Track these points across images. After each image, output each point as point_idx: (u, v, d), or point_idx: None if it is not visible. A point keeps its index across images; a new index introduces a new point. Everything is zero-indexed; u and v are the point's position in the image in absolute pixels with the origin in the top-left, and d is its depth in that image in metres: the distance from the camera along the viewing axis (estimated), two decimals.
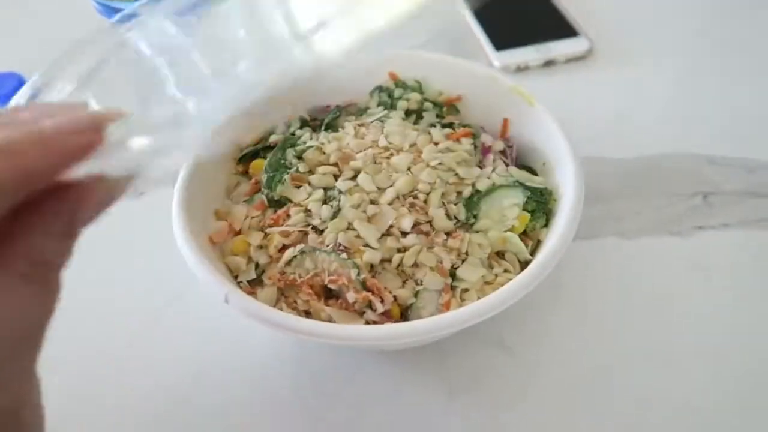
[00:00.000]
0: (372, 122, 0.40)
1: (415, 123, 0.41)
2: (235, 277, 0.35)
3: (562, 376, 0.36)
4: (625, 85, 0.54)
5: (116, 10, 0.43)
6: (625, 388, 0.35)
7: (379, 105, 0.43)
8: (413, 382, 0.36)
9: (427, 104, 0.42)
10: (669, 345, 0.37)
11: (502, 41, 0.57)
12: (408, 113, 0.42)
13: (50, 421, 0.35)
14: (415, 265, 0.33)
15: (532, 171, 0.39)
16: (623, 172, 0.47)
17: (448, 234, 0.34)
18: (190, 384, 0.36)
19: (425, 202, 0.35)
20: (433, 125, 0.40)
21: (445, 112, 0.42)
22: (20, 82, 0.57)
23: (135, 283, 0.42)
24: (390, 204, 0.34)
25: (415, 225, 0.34)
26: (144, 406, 0.36)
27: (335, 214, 0.34)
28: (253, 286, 0.34)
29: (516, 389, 0.35)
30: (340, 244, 0.33)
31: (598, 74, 0.55)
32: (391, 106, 0.42)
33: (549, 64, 0.55)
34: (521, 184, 0.35)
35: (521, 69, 0.55)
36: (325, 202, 0.35)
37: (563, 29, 0.58)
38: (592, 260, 0.41)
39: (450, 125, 0.40)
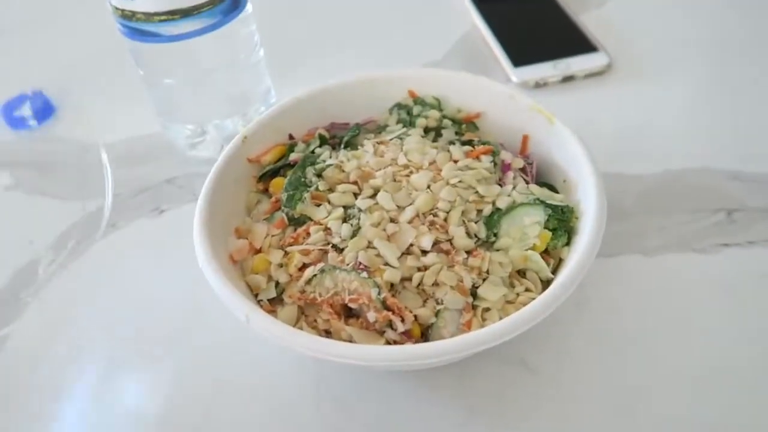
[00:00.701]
0: (391, 140, 0.40)
1: (434, 140, 0.41)
2: (256, 296, 0.35)
3: (586, 397, 0.35)
4: (645, 100, 0.54)
5: (139, 32, 0.44)
6: (650, 408, 0.34)
7: (398, 122, 0.43)
8: (432, 402, 0.35)
9: (446, 121, 0.42)
10: (694, 365, 0.36)
11: (519, 57, 0.57)
12: (427, 130, 0.42)
13: None
14: (436, 284, 0.33)
15: (552, 188, 0.38)
16: (644, 188, 0.46)
17: (468, 252, 0.34)
18: (209, 401, 0.36)
19: (445, 220, 0.35)
20: (452, 142, 0.40)
21: (465, 129, 0.42)
22: (45, 101, 0.58)
23: (155, 300, 0.42)
24: (410, 222, 0.34)
25: (435, 243, 0.34)
26: (162, 424, 0.36)
27: (355, 232, 0.34)
28: (274, 304, 0.35)
29: (537, 410, 0.35)
30: (360, 263, 0.33)
31: (617, 90, 0.55)
32: (410, 124, 0.42)
33: (568, 80, 0.55)
34: (542, 202, 0.35)
35: (539, 85, 0.55)
36: (344, 220, 0.35)
37: (582, 44, 0.57)
38: (614, 278, 0.40)
39: (469, 142, 0.40)
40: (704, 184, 0.46)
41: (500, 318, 0.32)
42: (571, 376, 0.36)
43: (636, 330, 0.38)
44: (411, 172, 0.37)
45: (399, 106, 0.44)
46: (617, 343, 0.37)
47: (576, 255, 0.32)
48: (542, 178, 0.40)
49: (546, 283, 0.34)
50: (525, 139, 0.41)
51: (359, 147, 0.40)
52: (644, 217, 0.44)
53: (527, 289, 0.34)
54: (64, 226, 0.48)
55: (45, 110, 0.58)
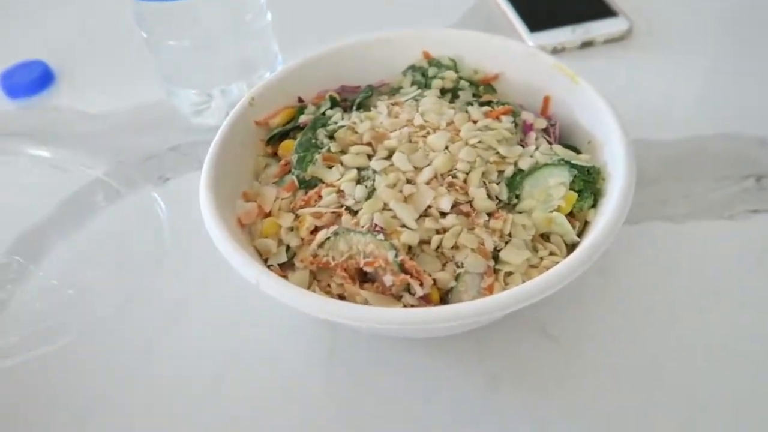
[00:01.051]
0: (406, 101, 0.38)
1: (451, 102, 0.39)
2: (265, 261, 0.33)
3: (608, 366, 0.34)
4: (667, 65, 0.52)
5: None
6: (676, 379, 0.33)
7: (412, 84, 0.41)
8: (450, 372, 0.34)
9: (463, 83, 0.40)
10: (721, 333, 0.35)
11: (536, 22, 0.54)
12: (443, 92, 0.40)
13: (78, 411, 0.34)
14: (456, 247, 0.31)
15: (575, 150, 0.36)
16: (668, 155, 0.44)
17: (489, 215, 0.32)
18: (219, 371, 0.35)
19: (465, 181, 0.33)
20: (470, 104, 0.38)
21: (482, 91, 0.41)
22: (45, 69, 0.57)
23: (161, 269, 0.41)
24: (428, 183, 0.33)
25: (455, 205, 0.32)
26: (172, 394, 0.34)
27: (370, 194, 0.33)
28: (284, 269, 0.33)
29: (559, 379, 0.33)
30: (375, 225, 0.31)
31: (638, 55, 0.53)
32: (425, 86, 0.40)
33: (586, 45, 0.53)
34: (567, 162, 0.33)
35: (557, 51, 0.53)
36: (358, 182, 0.34)
37: (601, 9, 0.55)
38: (639, 245, 0.39)
39: (488, 104, 0.38)
40: (732, 150, 0.44)
41: (523, 282, 0.31)
42: (593, 345, 0.35)
43: (661, 299, 0.36)
44: (428, 133, 0.35)
45: (413, 68, 0.42)
46: (641, 312, 0.36)
47: (604, 217, 0.30)
48: (565, 140, 0.38)
49: (571, 247, 0.33)
50: (546, 100, 0.39)
51: (372, 109, 0.39)
52: (669, 184, 0.42)
53: (551, 253, 0.32)
54: (65, 195, 0.46)
55: (44, 79, 0.56)
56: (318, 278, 0.32)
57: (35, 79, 0.56)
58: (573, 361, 0.34)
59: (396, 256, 0.30)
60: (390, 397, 0.34)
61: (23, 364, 0.37)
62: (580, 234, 0.33)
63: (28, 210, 0.45)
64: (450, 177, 0.33)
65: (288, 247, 0.33)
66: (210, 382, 0.35)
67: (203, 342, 0.37)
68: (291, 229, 0.34)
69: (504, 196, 0.33)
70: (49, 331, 0.38)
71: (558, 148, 0.35)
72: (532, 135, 0.36)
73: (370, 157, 0.35)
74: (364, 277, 0.32)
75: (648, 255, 0.38)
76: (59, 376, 0.36)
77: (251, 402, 0.34)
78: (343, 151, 0.36)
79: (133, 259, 0.41)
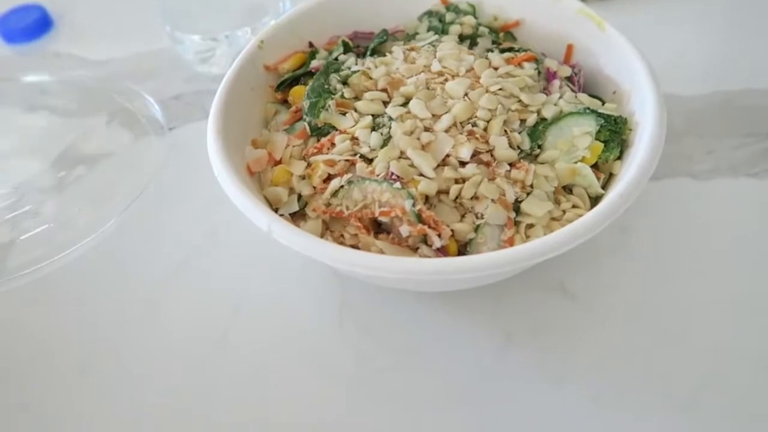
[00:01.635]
0: (423, 46, 0.36)
1: (470, 49, 0.37)
2: (276, 210, 0.32)
3: (627, 325, 0.33)
4: (694, 17, 0.49)
5: None
6: (698, 337, 0.32)
7: (428, 30, 0.39)
8: (466, 328, 0.33)
9: (482, 29, 0.38)
10: (744, 291, 0.34)
11: None
12: (461, 39, 0.38)
13: (89, 360, 0.34)
14: (475, 197, 0.30)
15: (600, 100, 0.35)
16: (691, 110, 0.43)
17: (510, 165, 0.31)
18: (228, 323, 0.34)
19: (485, 130, 0.31)
20: (490, 50, 0.36)
21: (502, 38, 0.39)
22: (43, 14, 0.54)
23: (165, 222, 0.39)
24: (446, 131, 0.31)
25: (475, 154, 0.30)
26: (181, 345, 0.34)
27: (385, 141, 0.31)
28: (296, 219, 0.32)
29: (577, 338, 0.32)
30: (392, 173, 0.30)
31: (661, 5, 0.50)
32: (442, 32, 0.38)
33: None
34: (593, 111, 0.32)
35: None
36: (373, 129, 0.32)
37: None
38: (662, 202, 0.37)
39: (509, 50, 0.36)
40: (758, 106, 0.42)
41: (545, 234, 0.29)
42: (612, 304, 0.34)
43: (682, 256, 0.35)
44: (446, 80, 0.34)
45: (429, 13, 0.40)
46: (662, 270, 0.35)
47: (633, 168, 0.29)
48: (589, 90, 0.36)
49: (594, 200, 0.31)
50: (570, 48, 0.37)
51: (387, 54, 0.37)
52: (692, 140, 0.41)
53: (574, 206, 0.31)
54: (65, 144, 0.45)
55: (42, 24, 0.54)
56: (331, 228, 0.31)
57: (33, 24, 0.53)
58: (591, 318, 0.33)
59: (413, 205, 0.29)
60: (402, 350, 0.33)
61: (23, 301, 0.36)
62: (604, 186, 0.31)
63: (27, 159, 0.44)
64: (470, 125, 0.31)
65: (299, 196, 0.32)
66: (217, 333, 0.34)
67: (210, 293, 0.36)
68: (303, 177, 0.32)
69: (526, 146, 0.31)
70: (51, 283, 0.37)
71: (583, 97, 0.34)
72: (556, 83, 0.34)
73: (385, 103, 0.33)
74: (378, 228, 0.31)
75: (670, 212, 0.37)
76: (61, 323, 0.35)
77: (259, 356, 0.33)
78: (357, 98, 0.34)
79: (137, 210, 0.40)
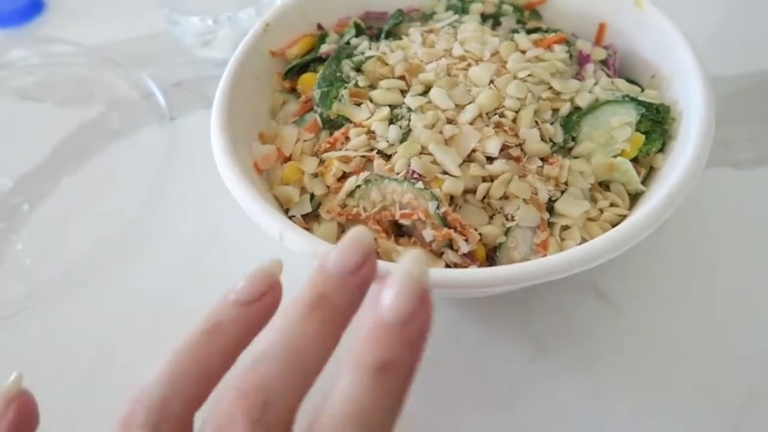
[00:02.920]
0: (442, 28, 0.33)
1: (493, 29, 0.34)
2: (286, 211, 0.30)
3: (669, 332, 0.30)
4: None
5: None
6: (743, 343, 0.30)
7: (447, 9, 0.36)
8: (494, 337, 0.31)
9: (506, 7, 0.35)
10: None
11: None
12: (483, 18, 0.35)
13: (85, 363, 0.32)
14: (505, 197, 0.27)
15: (637, 85, 0.32)
16: (731, 92, 0.40)
17: (543, 160, 0.28)
18: None
19: (514, 121, 0.29)
20: (515, 31, 0.33)
21: (527, 17, 0.36)
22: None
23: (168, 221, 0.37)
24: (471, 124, 0.28)
25: (503, 149, 0.28)
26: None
27: (405, 135, 0.28)
28: (308, 221, 0.29)
29: (613, 344, 0.30)
30: (413, 172, 0.27)
31: None
32: (462, 11, 0.35)
33: None
34: (633, 99, 0.29)
35: None
36: (391, 121, 0.29)
37: None
38: (700, 194, 0.34)
39: (536, 31, 0.33)
40: None
41: (582, 238, 0.27)
42: (649, 306, 0.31)
43: (725, 253, 0.33)
44: (469, 65, 0.31)
45: None
46: (701, 268, 0.32)
47: (681, 165, 0.26)
48: (624, 74, 0.33)
49: (633, 197, 0.29)
50: (602, 27, 0.34)
51: (404, 37, 0.34)
52: (733, 126, 0.38)
53: (612, 204, 0.28)
54: (60, 137, 0.42)
55: (33, 6, 0.51)
56: (347, 231, 0.28)
57: (23, 6, 0.50)
58: (627, 323, 0.31)
59: (437, 207, 0.26)
60: (425, 358, 0.30)
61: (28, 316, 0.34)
62: (644, 182, 0.29)
63: (22, 153, 0.41)
64: (497, 116, 0.29)
65: (312, 196, 0.29)
66: None
67: (211, 298, 0.33)
68: (315, 175, 0.30)
69: (559, 139, 0.29)
70: (50, 282, 0.35)
71: (620, 83, 0.31)
72: (590, 67, 0.31)
73: (403, 92, 0.30)
74: (399, 230, 0.28)
75: (709, 205, 0.34)
76: (67, 329, 0.33)
77: None
78: (372, 86, 0.31)
79: (137, 207, 0.37)
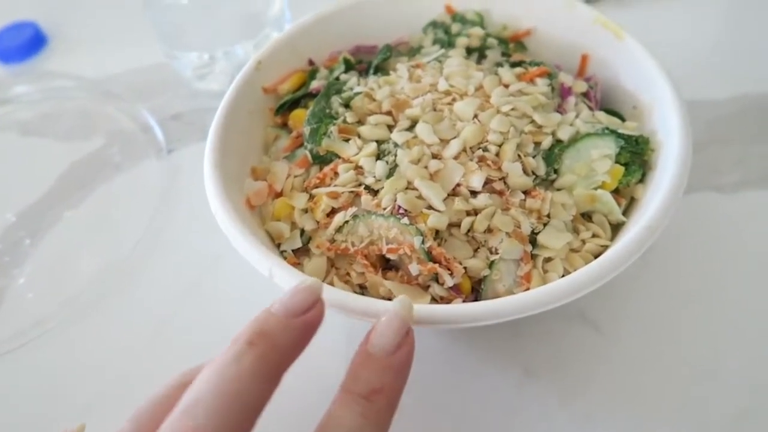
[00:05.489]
0: (429, 62, 0.34)
1: (478, 62, 0.35)
2: (278, 246, 0.30)
3: (657, 357, 0.31)
4: (713, 13, 0.47)
5: None
6: (730, 368, 0.30)
7: (434, 43, 0.37)
8: (483, 361, 0.31)
9: (491, 40, 0.36)
10: None
11: None
12: (469, 52, 0.36)
13: (86, 397, 0.33)
14: (489, 230, 0.28)
15: (618, 116, 0.33)
16: (716, 116, 0.40)
17: (525, 193, 0.29)
18: None
19: (497, 155, 0.29)
20: (499, 64, 0.34)
21: (512, 49, 0.36)
22: (37, 31, 0.53)
23: (165, 250, 0.38)
24: (456, 158, 0.29)
25: (487, 183, 0.29)
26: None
27: (391, 171, 0.29)
28: (299, 255, 0.30)
29: (600, 368, 0.31)
30: (399, 207, 0.28)
31: (679, 2, 0.48)
32: (449, 44, 0.36)
33: None
34: (613, 132, 0.30)
35: (591, 0, 0.48)
36: (378, 157, 0.30)
37: None
38: (686, 219, 0.35)
39: (519, 64, 0.34)
40: None
41: (564, 269, 0.28)
42: (636, 332, 0.32)
43: (712, 278, 0.33)
44: (454, 100, 0.32)
45: (434, 24, 0.38)
46: (688, 294, 0.33)
47: (659, 196, 0.26)
48: (606, 104, 0.34)
49: (614, 227, 0.29)
50: (584, 59, 0.35)
51: (391, 72, 0.35)
52: (718, 148, 0.38)
53: (594, 235, 0.29)
54: (62, 170, 0.43)
55: (36, 42, 0.52)
56: (336, 266, 0.29)
57: (26, 42, 0.52)
58: (615, 349, 0.31)
59: (423, 242, 0.27)
60: (415, 386, 0.31)
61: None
62: (625, 212, 0.29)
63: (24, 187, 0.43)
64: (480, 150, 0.29)
65: (302, 231, 0.30)
66: None
67: (212, 329, 0.34)
68: (305, 210, 0.30)
69: (541, 172, 0.30)
70: (52, 316, 0.36)
71: (601, 115, 0.32)
72: (571, 100, 0.32)
73: (390, 127, 0.31)
74: (386, 264, 0.29)
75: (694, 230, 0.35)
76: (69, 363, 0.34)
77: None
78: (361, 122, 0.32)
79: (138, 239, 0.38)
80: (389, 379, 0.21)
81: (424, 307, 0.25)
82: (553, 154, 0.30)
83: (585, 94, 0.33)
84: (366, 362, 0.21)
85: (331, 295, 0.25)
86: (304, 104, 0.35)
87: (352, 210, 0.29)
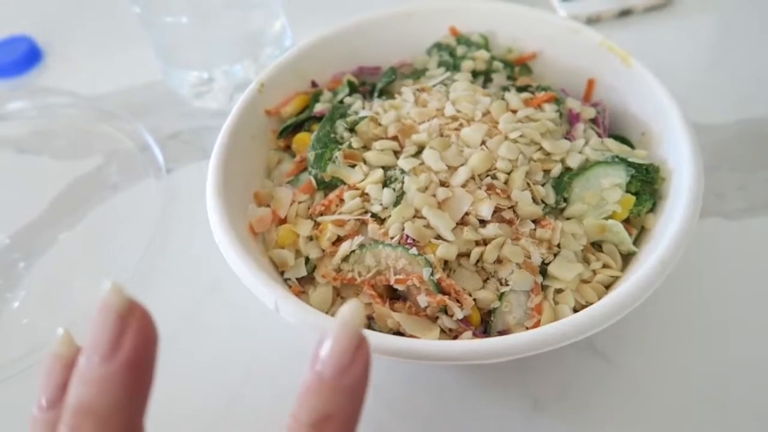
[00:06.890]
0: (434, 86, 0.34)
1: (484, 86, 0.35)
2: (281, 273, 0.30)
3: (665, 387, 0.30)
4: (714, 36, 0.47)
5: None
6: (740, 399, 0.30)
7: (439, 65, 0.37)
8: (492, 393, 0.31)
9: (497, 64, 0.36)
10: None
11: None
12: (474, 75, 0.35)
13: None
14: (498, 261, 0.27)
15: (626, 143, 0.32)
16: (720, 140, 0.40)
17: (535, 222, 0.28)
18: (235, 387, 0.32)
19: (506, 183, 0.29)
20: (506, 89, 0.34)
21: (517, 72, 0.36)
22: (32, 46, 0.52)
23: (164, 276, 0.37)
24: (464, 186, 0.29)
25: (496, 211, 0.28)
26: (191, 407, 0.31)
27: (399, 198, 0.29)
28: (304, 284, 0.29)
29: (610, 400, 0.30)
30: (407, 236, 0.27)
31: (681, 25, 0.48)
32: (454, 67, 0.36)
33: (625, 14, 0.48)
34: (623, 160, 0.29)
35: (592, 21, 0.48)
36: (385, 184, 0.30)
37: None
38: (691, 246, 0.35)
39: (525, 88, 0.34)
40: None
41: (575, 300, 0.27)
42: (645, 363, 0.31)
43: (721, 307, 0.33)
44: (461, 125, 0.31)
45: (439, 46, 0.38)
46: (699, 324, 0.32)
47: (672, 229, 0.26)
48: (614, 130, 0.34)
49: (625, 257, 0.29)
50: (591, 83, 0.35)
51: (396, 95, 0.34)
52: (722, 174, 0.38)
53: (605, 265, 0.28)
54: (58, 190, 0.42)
55: (31, 57, 0.52)
56: (342, 295, 0.29)
57: (21, 57, 0.51)
58: (623, 381, 0.31)
59: (432, 274, 0.26)
60: (422, 420, 0.30)
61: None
62: (637, 242, 0.29)
63: (19, 207, 0.42)
64: (489, 178, 0.29)
65: (307, 259, 0.29)
66: (225, 398, 0.32)
67: (211, 352, 0.33)
68: (310, 238, 0.30)
69: (551, 200, 0.29)
70: (48, 341, 0.35)
71: (610, 143, 0.31)
72: (580, 126, 0.32)
73: (396, 153, 0.31)
74: (394, 294, 0.28)
75: (701, 257, 0.35)
76: None
77: (268, 421, 0.31)
78: (367, 147, 0.32)
79: (136, 262, 0.37)
80: (341, 402, 0.18)
81: (434, 343, 0.24)
82: (562, 183, 0.30)
83: (593, 120, 0.33)
84: (313, 385, 0.18)
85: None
86: (307, 127, 0.34)
87: (358, 239, 0.28)
